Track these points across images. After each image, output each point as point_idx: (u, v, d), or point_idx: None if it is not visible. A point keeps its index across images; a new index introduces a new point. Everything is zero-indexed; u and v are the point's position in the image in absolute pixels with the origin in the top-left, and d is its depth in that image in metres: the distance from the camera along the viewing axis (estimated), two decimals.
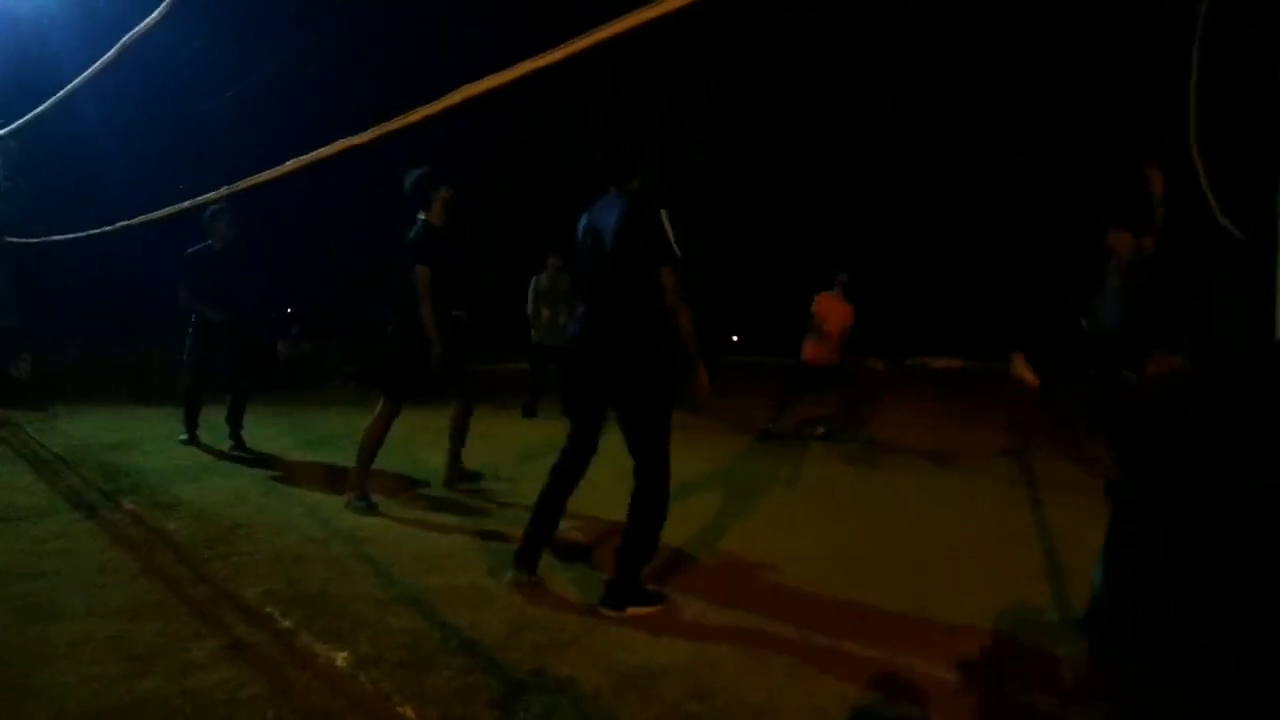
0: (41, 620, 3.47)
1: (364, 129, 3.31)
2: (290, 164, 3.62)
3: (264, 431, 7.64)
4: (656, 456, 3.86)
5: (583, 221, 4.14)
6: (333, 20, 15.40)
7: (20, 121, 7.72)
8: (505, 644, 3.37)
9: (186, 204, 4.61)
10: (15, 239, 8.60)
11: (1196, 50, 1.39)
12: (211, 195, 4.39)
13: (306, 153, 3.63)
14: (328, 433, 8.77)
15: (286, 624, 3.50)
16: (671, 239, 3.80)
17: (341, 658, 3.18)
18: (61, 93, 5.91)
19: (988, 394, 14.69)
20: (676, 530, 4.98)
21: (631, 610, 3.79)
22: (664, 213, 3.83)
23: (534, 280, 10.31)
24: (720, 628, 3.62)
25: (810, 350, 8.97)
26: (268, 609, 3.66)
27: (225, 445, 7.41)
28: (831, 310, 8.97)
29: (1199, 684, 0.63)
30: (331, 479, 6.37)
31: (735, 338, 29.44)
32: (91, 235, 6.54)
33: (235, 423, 7.40)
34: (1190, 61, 1.42)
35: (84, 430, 8.24)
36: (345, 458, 7.20)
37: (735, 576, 4.30)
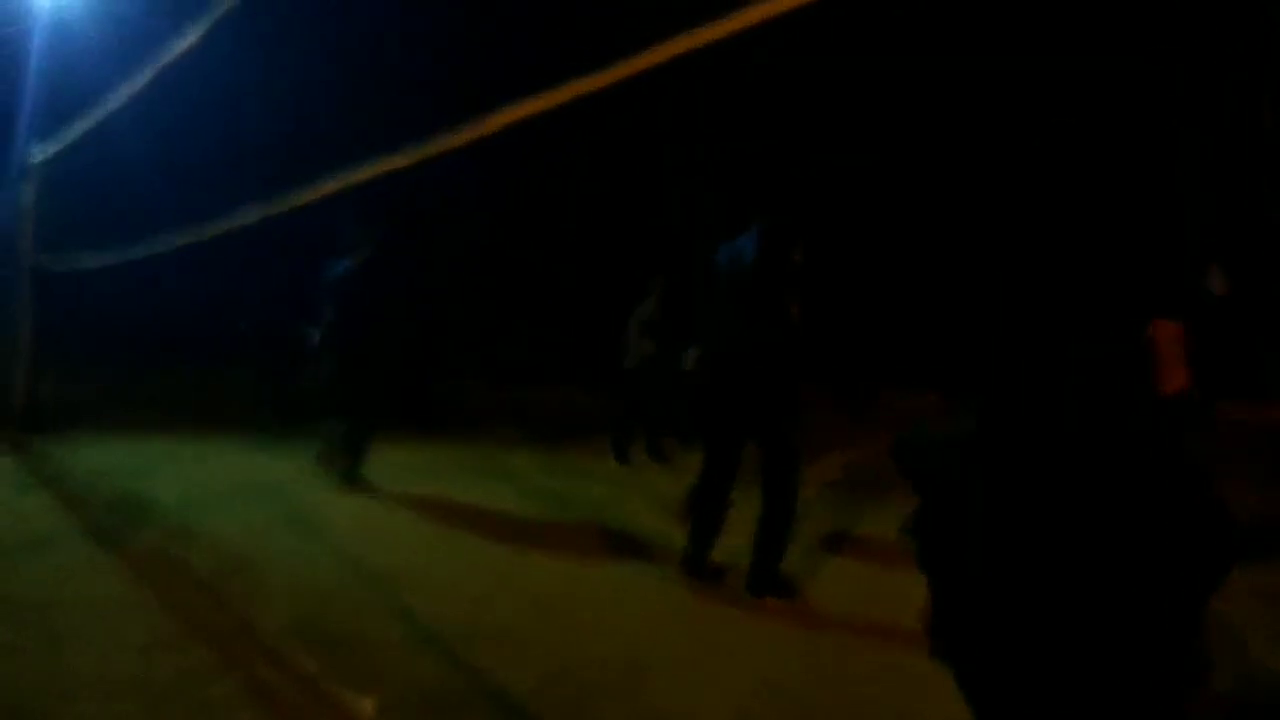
0: (64, 652, 3.37)
1: (400, 149, 3.26)
2: (330, 185, 3.57)
3: (289, 462, 7.54)
4: (793, 459, 4.43)
5: (724, 253, 4.52)
6: (372, 39, 15.57)
7: (56, 148, 7.77)
8: (537, 694, 3.24)
9: (223, 225, 4.57)
10: (45, 260, 8.63)
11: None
12: (244, 217, 4.35)
13: (342, 172, 3.57)
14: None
15: (309, 665, 3.38)
16: (798, 271, 4.34)
17: (366, 703, 3.06)
18: (94, 118, 5.93)
19: None
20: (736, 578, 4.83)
21: (770, 601, 4.35)
22: (798, 244, 4.35)
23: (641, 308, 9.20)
24: (763, 680, 3.46)
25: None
26: (289, 647, 3.54)
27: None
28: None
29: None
30: (358, 512, 6.25)
31: None
32: (122, 259, 6.53)
33: (360, 449, 7.17)
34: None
35: (107, 457, 8.17)
36: (369, 489, 7.09)
37: (792, 626, 4.14)
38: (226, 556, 4.87)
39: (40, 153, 8.43)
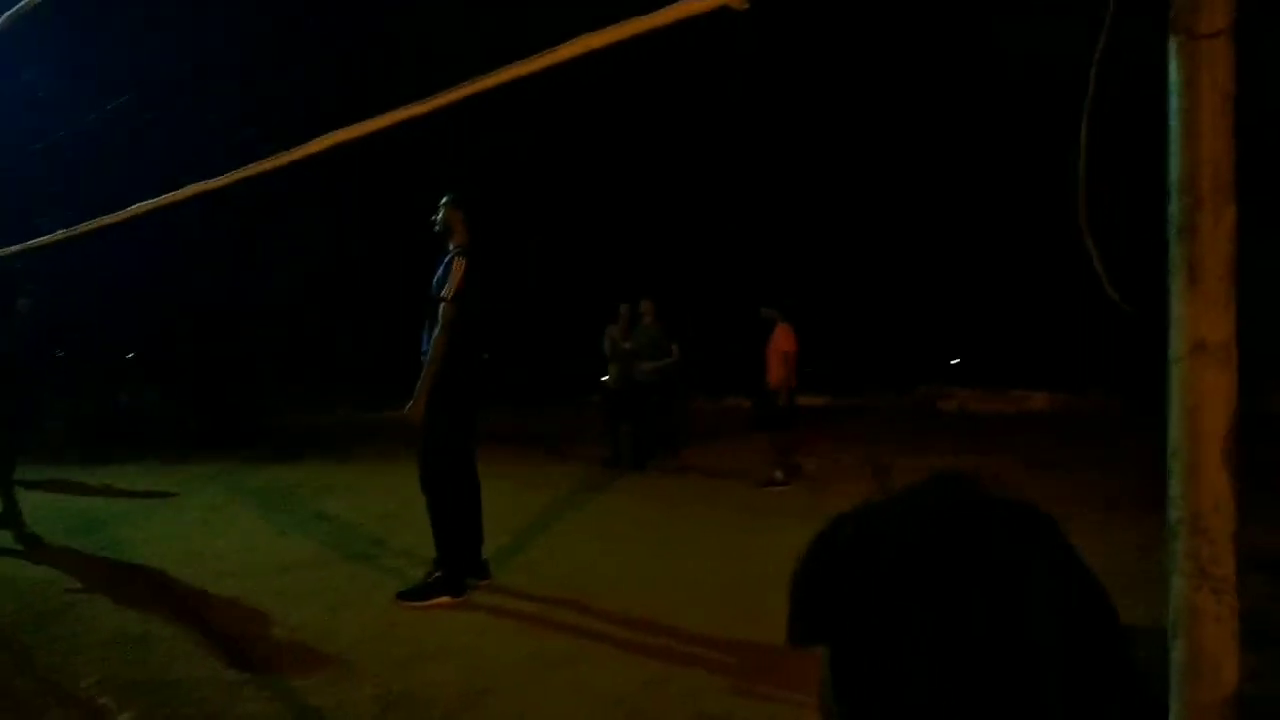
0: None
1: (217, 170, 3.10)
2: (137, 207, 3.35)
3: (97, 498, 7.06)
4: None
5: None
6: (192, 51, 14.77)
7: None
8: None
9: (15, 248, 4.21)
10: None
11: (1086, 116, 1.40)
12: (46, 239, 4.02)
13: (157, 191, 3.36)
14: (164, 494, 8.14)
15: (124, 718, 3.17)
16: (454, 284, 4.60)
17: None
18: None
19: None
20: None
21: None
22: (462, 261, 4.64)
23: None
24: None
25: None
26: (103, 700, 3.31)
27: None
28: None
29: None
30: (177, 544, 5.90)
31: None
32: None
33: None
34: (1080, 126, 1.43)
35: None
36: (188, 520, 6.72)
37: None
38: (34, 605, 4.51)
39: None
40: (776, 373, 8.62)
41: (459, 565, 4.67)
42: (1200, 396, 1.26)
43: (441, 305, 4.60)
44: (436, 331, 4.57)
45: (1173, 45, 1.23)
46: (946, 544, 0.62)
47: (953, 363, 20.87)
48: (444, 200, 4.87)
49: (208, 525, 6.59)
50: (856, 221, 20.01)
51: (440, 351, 4.56)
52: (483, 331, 4.89)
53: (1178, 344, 1.26)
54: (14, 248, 4.17)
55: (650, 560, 5.62)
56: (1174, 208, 1.26)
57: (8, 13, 3.53)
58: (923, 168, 19.19)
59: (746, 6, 1.73)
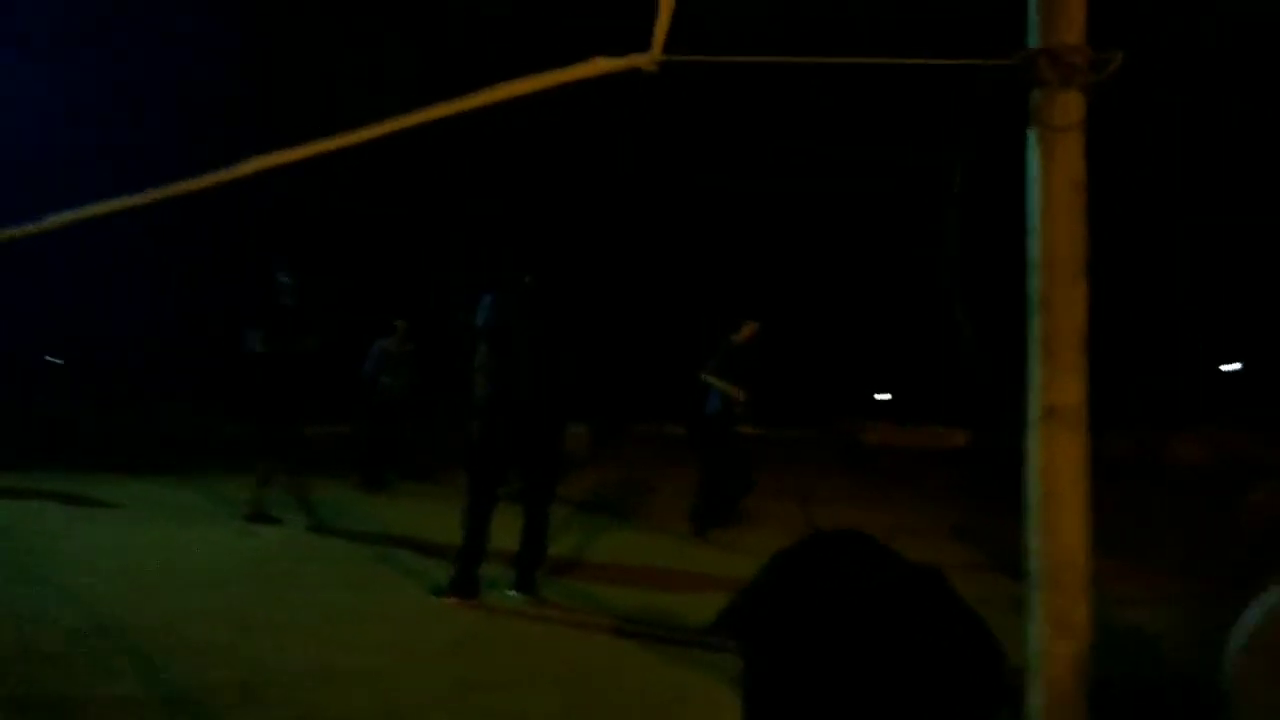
0: None
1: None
2: (51, 221, 3.30)
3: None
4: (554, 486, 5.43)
5: (497, 305, 5.15)
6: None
7: None
8: None
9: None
10: None
11: (954, 212, 1.51)
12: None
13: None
14: (88, 503, 7.90)
15: None
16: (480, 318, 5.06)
17: None
18: None
19: None
20: None
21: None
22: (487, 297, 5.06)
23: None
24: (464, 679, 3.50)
25: None
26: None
27: None
28: None
29: None
30: (103, 556, 5.74)
31: None
32: None
33: None
34: (952, 217, 1.54)
35: None
36: (115, 533, 6.56)
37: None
38: None
39: None
40: None
41: (471, 566, 4.92)
42: (1053, 458, 1.37)
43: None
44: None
45: (1031, 137, 1.36)
46: (862, 589, 0.77)
47: (877, 398, 21.35)
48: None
49: (130, 539, 6.43)
50: (786, 258, 20.41)
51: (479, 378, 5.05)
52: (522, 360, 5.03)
53: (1033, 409, 1.38)
54: None
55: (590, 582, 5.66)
56: (1032, 284, 1.38)
57: None
58: (856, 208, 19.69)
59: (657, 69, 1.82)
